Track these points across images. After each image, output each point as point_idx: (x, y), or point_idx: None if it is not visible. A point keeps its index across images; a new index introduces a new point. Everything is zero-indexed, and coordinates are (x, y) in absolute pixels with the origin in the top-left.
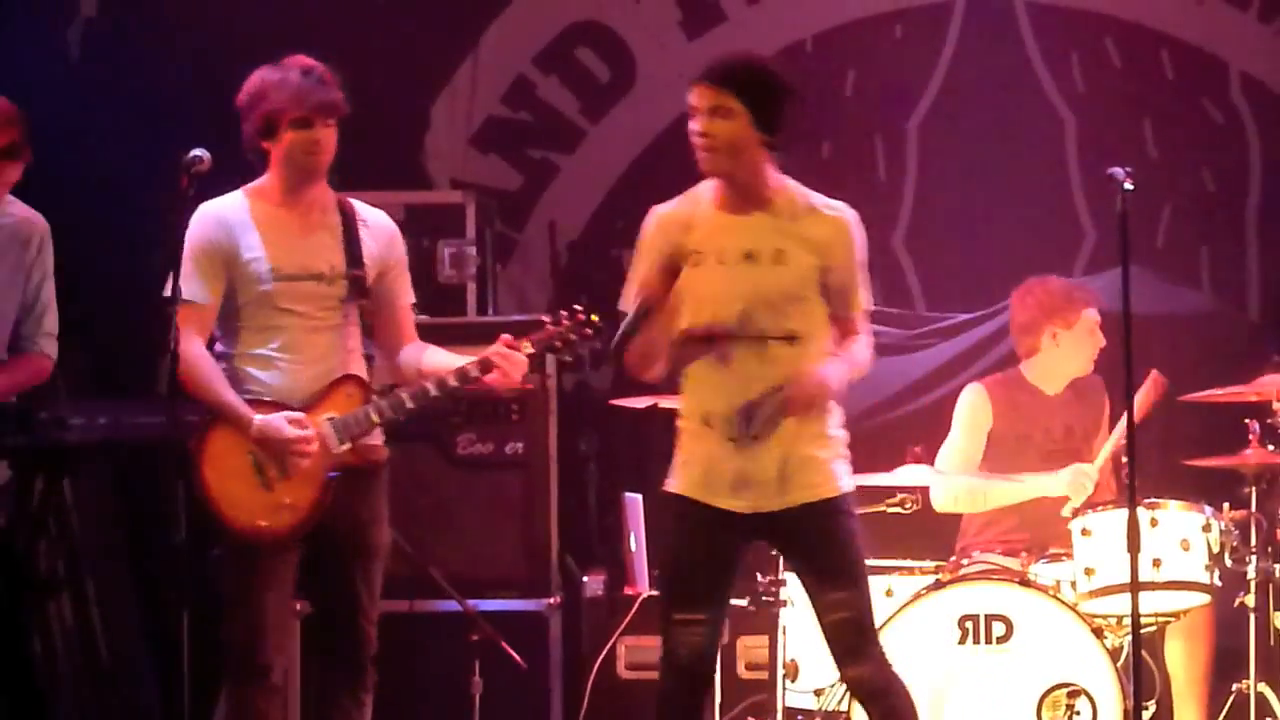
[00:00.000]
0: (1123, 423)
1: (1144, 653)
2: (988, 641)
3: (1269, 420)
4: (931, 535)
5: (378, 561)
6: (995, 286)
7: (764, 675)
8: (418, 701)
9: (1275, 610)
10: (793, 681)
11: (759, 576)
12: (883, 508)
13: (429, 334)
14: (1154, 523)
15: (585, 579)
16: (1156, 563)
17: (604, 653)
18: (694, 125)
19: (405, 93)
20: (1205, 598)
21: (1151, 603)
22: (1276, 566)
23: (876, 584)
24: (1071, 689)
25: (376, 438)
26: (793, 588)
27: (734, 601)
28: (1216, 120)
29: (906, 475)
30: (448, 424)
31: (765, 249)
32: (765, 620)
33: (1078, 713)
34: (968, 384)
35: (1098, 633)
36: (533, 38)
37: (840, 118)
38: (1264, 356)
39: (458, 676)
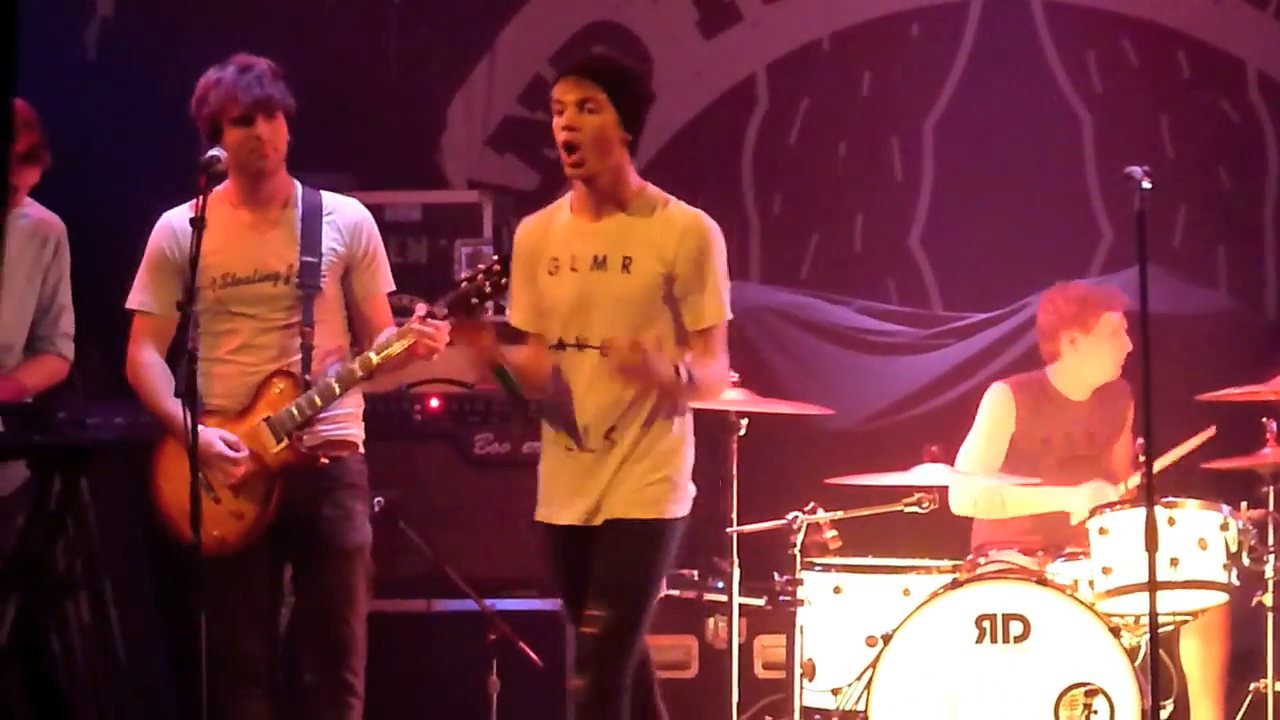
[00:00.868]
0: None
1: (1161, 652)
2: (1005, 641)
3: None
4: (948, 534)
5: (352, 559)
6: (1012, 286)
7: (781, 674)
8: (435, 701)
9: None
10: (810, 681)
11: (776, 576)
12: (899, 507)
13: None
14: (1171, 522)
15: None
16: (1174, 562)
17: None
18: (559, 120)
19: (422, 93)
20: (1223, 597)
21: (1169, 602)
22: None
23: (893, 583)
24: (1089, 688)
25: (339, 433)
26: (809, 587)
27: (751, 601)
28: (1234, 120)
29: (923, 475)
30: (465, 423)
31: (615, 255)
32: (782, 619)
33: (1095, 712)
34: (991, 383)
35: (1115, 632)
36: (549, 38)
37: (857, 117)
38: None
39: (475, 676)
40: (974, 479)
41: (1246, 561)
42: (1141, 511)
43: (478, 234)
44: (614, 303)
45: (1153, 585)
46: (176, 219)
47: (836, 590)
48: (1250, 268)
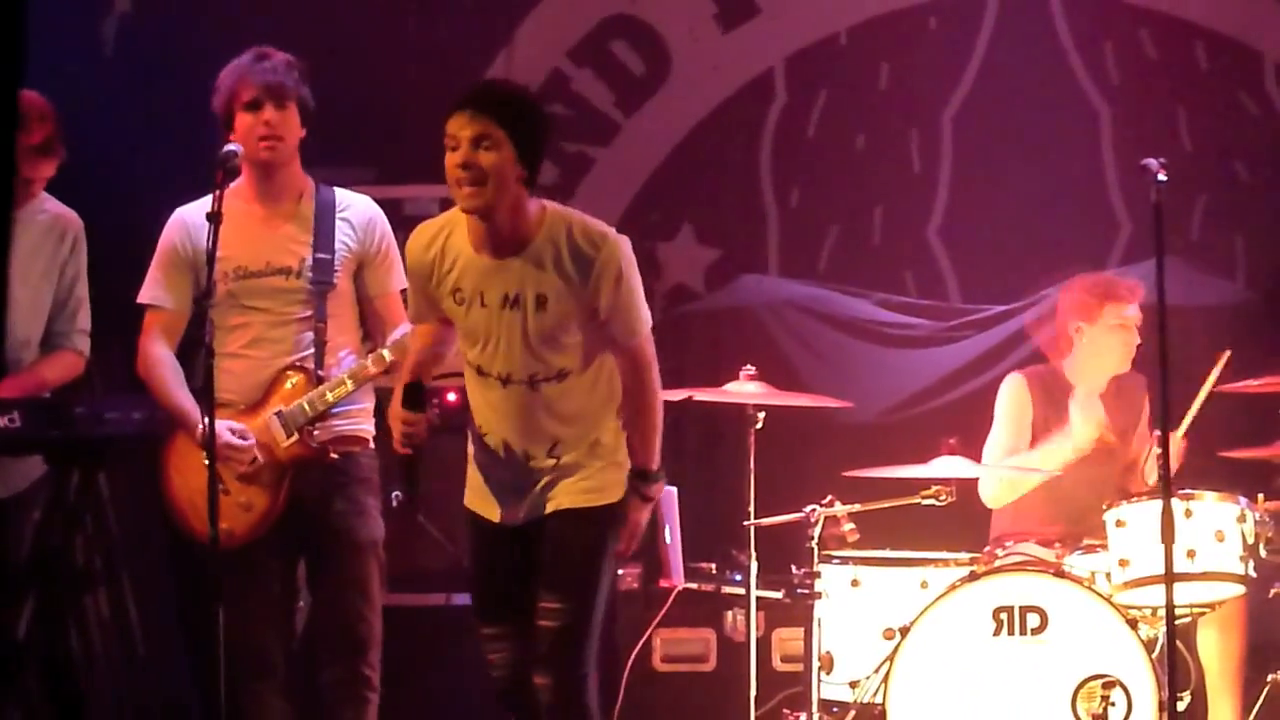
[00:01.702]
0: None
1: (1179, 644)
2: (1022, 633)
3: None
4: (966, 527)
5: (365, 553)
6: (1030, 278)
7: (799, 667)
8: (453, 694)
9: None
10: (828, 674)
11: (794, 569)
12: (917, 500)
13: None
14: (1188, 514)
15: (620, 571)
16: (1191, 554)
17: (639, 645)
18: (453, 159)
19: (440, 87)
20: (1240, 589)
21: (1186, 594)
22: None
23: (911, 576)
24: (1106, 680)
25: (351, 428)
26: (827, 580)
27: (769, 594)
28: (1251, 111)
29: (941, 467)
30: None
31: (528, 294)
32: (800, 612)
33: (1113, 704)
34: (1006, 375)
35: (1132, 624)
36: (567, 31)
37: (875, 110)
38: None
39: None
40: (993, 469)
41: (1264, 553)
42: (1158, 504)
43: None
44: (532, 340)
45: (1170, 577)
46: (189, 214)
47: (854, 583)
48: (1268, 259)
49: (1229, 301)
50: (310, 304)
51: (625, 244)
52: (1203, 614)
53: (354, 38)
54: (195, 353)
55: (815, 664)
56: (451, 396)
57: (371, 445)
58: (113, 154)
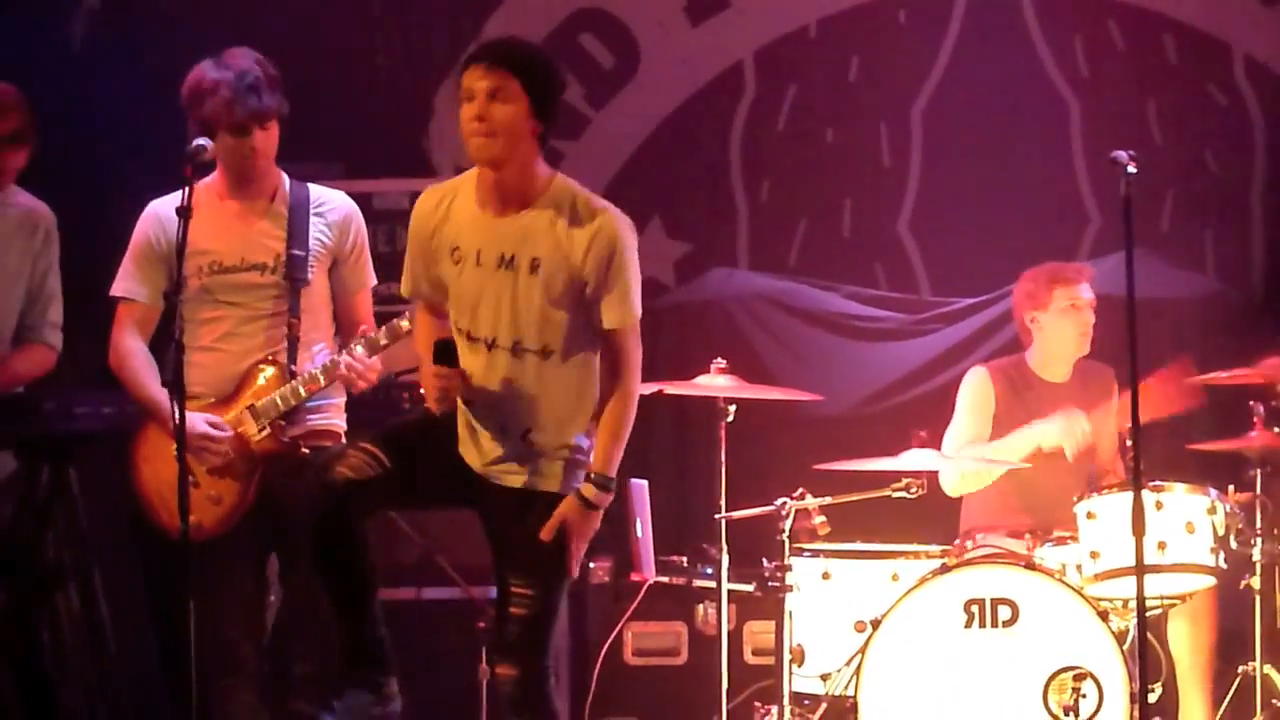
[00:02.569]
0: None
1: (1150, 635)
2: (994, 625)
3: (1274, 403)
4: (937, 519)
5: None
6: (1000, 271)
7: (770, 660)
8: (425, 689)
9: None
10: (799, 666)
11: (765, 562)
12: (888, 492)
13: None
14: (1159, 505)
15: (591, 565)
16: (1162, 545)
17: (611, 639)
18: (468, 110)
19: (409, 81)
20: (1210, 580)
21: (1157, 585)
22: None
23: (882, 568)
24: (1077, 672)
25: (323, 423)
26: (798, 573)
27: (740, 587)
28: (1220, 103)
29: (912, 460)
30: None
31: (523, 256)
32: (771, 605)
33: (1084, 696)
34: (971, 368)
35: (1103, 616)
36: (536, 24)
37: (844, 103)
38: (1268, 339)
39: (465, 664)
40: (960, 458)
41: (1234, 545)
42: (1129, 495)
43: None
44: (521, 304)
45: (1140, 569)
46: (163, 208)
47: (825, 576)
48: (1237, 251)
49: (1199, 293)
50: (284, 300)
51: (626, 225)
52: (1173, 605)
53: (324, 32)
54: (166, 346)
55: (786, 657)
56: (423, 391)
57: (343, 440)
58: (84, 148)
